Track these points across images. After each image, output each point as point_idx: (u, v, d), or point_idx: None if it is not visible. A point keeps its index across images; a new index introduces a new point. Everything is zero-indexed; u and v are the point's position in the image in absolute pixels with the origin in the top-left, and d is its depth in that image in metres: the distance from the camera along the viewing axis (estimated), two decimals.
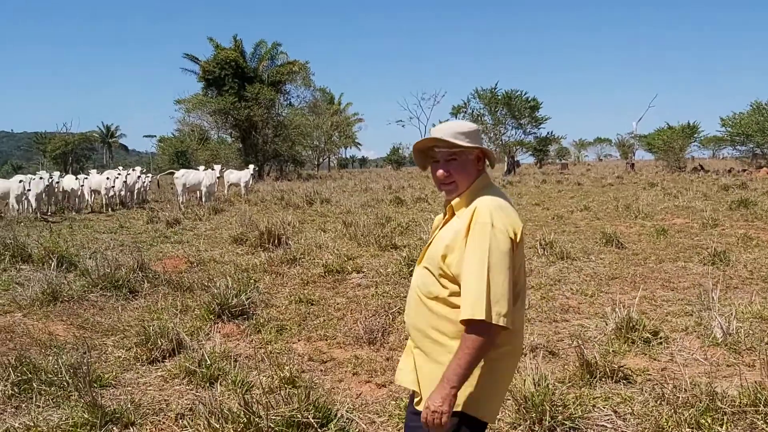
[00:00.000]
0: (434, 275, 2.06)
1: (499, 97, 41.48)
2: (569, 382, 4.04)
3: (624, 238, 9.68)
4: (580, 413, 3.53)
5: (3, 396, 3.94)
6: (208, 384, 4.15)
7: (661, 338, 4.90)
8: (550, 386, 3.61)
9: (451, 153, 2.09)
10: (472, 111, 42.80)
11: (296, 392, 3.66)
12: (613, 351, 4.64)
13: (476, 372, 1.96)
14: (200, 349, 4.42)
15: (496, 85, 42.74)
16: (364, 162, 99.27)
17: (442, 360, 1.99)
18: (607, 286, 6.79)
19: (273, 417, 3.30)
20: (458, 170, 2.09)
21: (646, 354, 4.63)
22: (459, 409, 1.97)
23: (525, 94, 41.47)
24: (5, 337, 5.25)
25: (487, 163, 2.18)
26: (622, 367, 4.19)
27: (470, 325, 1.90)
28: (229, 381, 4.16)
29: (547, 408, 3.41)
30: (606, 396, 3.88)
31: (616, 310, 5.16)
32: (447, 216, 2.13)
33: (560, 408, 3.48)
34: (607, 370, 4.10)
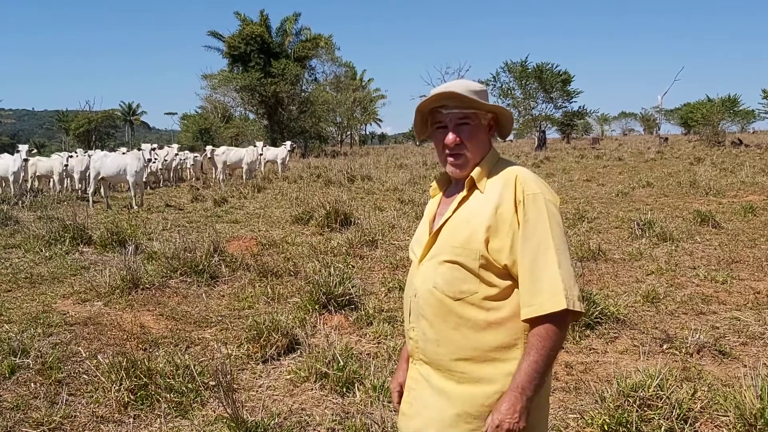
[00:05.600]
0: (468, 268, 1.61)
1: (530, 71, 40.34)
2: None
3: (715, 217, 9.00)
4: None
5: (118, 404, 3.45)
6: (344, 389, 3.64)
7: None
8: None
9: (463, 115, 1.68)
10: (502, 84, 41.78)
11: None
12: None
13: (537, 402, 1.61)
14: (330, 347, 3.88)
15: (526, 58, 41.52)
16: (383, 138, 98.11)
17: (486, 375, 1.60)
18: (731, 270, 6.16)
19: None
20: (471, 137, 1.69)
21: None
22: None
23: (556, 67, 40.33)
24: (94, 331, 4.77)
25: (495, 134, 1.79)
26: None
27: (544, 320, 1.54)
28: (368, 386, 3.64)
29: None
30: None
31: None
32: (466, 192, 1.70)
33: None
34: None
